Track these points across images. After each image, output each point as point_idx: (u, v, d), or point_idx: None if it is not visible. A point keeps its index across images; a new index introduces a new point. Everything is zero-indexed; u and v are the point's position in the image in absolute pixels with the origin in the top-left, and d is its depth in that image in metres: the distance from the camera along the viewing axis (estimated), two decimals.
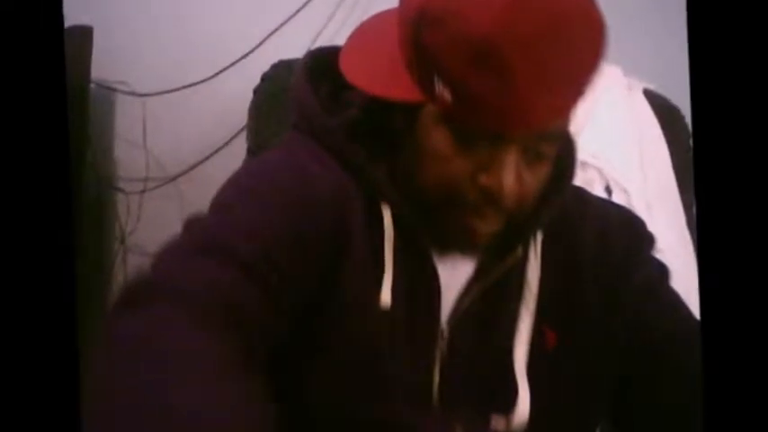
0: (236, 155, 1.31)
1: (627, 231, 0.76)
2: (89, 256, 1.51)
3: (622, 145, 1.36)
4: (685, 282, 0.77)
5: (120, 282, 1.56)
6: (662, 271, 0.76)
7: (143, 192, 1.54)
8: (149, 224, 1.53)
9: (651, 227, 0.78)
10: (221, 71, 1.52)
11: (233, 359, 0.52)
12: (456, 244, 0.71)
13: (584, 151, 1.22)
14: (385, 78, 0.67)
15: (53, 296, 0.45)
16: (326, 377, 0.67)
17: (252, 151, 1.17)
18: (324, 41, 1.51)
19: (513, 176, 0.63)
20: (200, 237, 0.61)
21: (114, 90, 1.51)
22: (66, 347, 0.44)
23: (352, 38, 0.74)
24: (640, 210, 1.25)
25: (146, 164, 1.53)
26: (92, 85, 1.44)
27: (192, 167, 1.55)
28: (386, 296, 0.67)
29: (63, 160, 0.46)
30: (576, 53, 0.60)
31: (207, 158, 1.54)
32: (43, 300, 0.44)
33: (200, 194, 0.71)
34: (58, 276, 0.45)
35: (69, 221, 0.46)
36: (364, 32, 0.74)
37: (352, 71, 0.70)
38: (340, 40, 0.74)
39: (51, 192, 0.45)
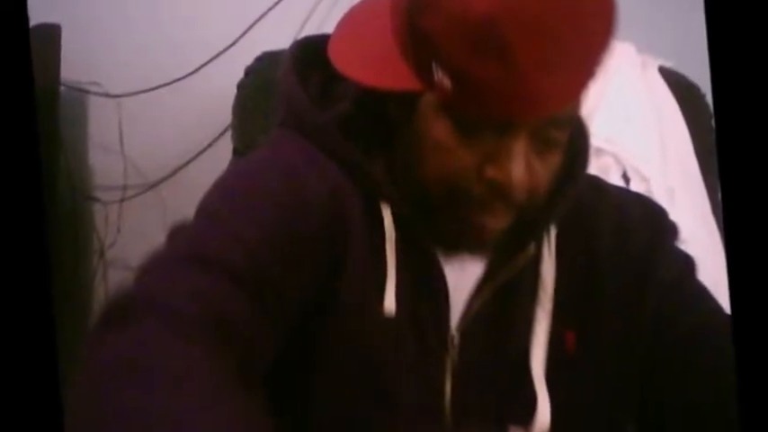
0: (221, 156, 1.31)
1: (648, 222, 0.76)
2: (66, 272, 1.51)
3: (639, 128, 1.36)
4: (712, 272, 0.77)
5: (101, 299, 1.57)
6: (687, 263, 0.76)
7: (122, 200, 1.54)
8: (130, 235, 1.53)
9: (674, 215, 0.79)
10: (201, 66, 1.52)
11: (227, 374, 0.52)
12: (463, 243, 0.71)
13: (597, 136, 1.22)
14: (379, 67, 0.67)
15: (28, 317, 0.45)
16: (328, 390, 0.68)
17: (238, 151, 1.18)
18: (311, 30, 1.52)
19: (521, 167, 0.63)
20: (186, 246, 0.61)
21: (86, 92, 1.51)
22: (44, 373, 0.44)
23: (341, 24, 0.74)
24: (661, 197, 1.25)
25: (123, 170, 1.53)
26: (62, 88, 1.44)
27: (174, 172, 1.55)
28: (389, 302, 0.67)
29: (34, 170, 0.46)
30: (584, 31, 0.60)
31: (189, 162, 1.55)
32: (18, 322, 0.44)
33: (184, 201, 0.71)
34: (33, 296, 0.45)
35: (43, 236, 0.46)
36: (354, 18, 0.74)
37: (343, 60, 0.70)
38: (329, 28, 0.74)
39: (23, 205, 0.45)
